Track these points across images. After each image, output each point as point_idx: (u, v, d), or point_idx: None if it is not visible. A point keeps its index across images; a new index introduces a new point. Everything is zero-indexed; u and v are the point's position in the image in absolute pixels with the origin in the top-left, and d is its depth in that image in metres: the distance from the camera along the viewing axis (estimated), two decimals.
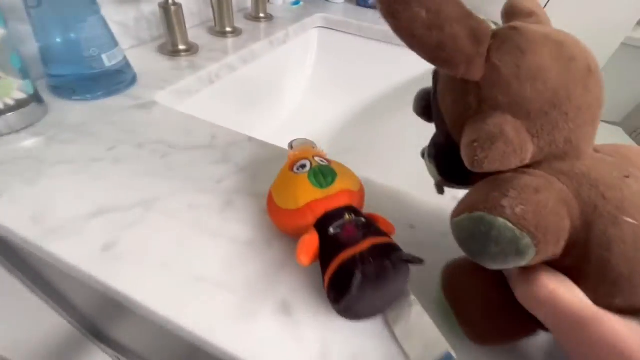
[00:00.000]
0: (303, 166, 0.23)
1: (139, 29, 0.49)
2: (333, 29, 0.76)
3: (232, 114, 0.56)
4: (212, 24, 0.59)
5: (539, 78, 0.15)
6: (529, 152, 0.16)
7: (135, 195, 0.26)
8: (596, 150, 0.18)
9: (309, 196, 0.21)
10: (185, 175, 0.28)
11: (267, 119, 0.68)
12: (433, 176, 0.23)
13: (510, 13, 0.21)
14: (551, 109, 0.15)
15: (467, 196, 0.17)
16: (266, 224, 0.25)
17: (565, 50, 0.16)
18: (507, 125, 0.15)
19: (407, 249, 0.19)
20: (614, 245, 0.14)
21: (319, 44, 0.78)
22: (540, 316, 0.16)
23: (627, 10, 0.70)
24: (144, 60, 0.46)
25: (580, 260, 0.15)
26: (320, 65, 0.79)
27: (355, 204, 0.22)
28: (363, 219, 0.20)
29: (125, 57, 0.39)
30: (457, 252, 0.17)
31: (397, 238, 0.21)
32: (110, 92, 0.37)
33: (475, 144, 0.15)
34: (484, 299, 0.19)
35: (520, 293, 0.16)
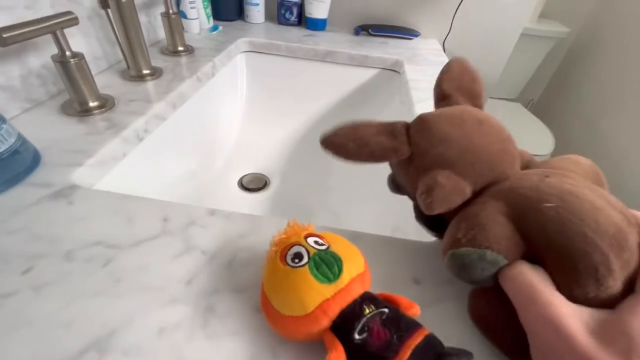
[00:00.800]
0: (299, 256, 0.19)
1: (30, 89, 0.39)
2: (260, 52, 0.73)
3: (171, 169, 0.49)
4: (125, 66, 0.51)
5: (446, 140, 0.21)
6: (466, 188, 0.21)
7: (80, 335, 0.20)
8: (539, 167, 0.23)
9: (318, 296, 0.18)
10: (142, 285, 0.22)
11: (209, 160, 0.61)
12: (429, 233, 0.27)
13: (437, 97, 0.28)
14: (464, 155, 0.21)
15: (444, 239, 0.22)
16: (263, 329, 0.21)
17: (455, 117, 0.22)
18: (438, 176, 0.21)
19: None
20: (546, 227, 0.18)
21: (248, 69, 0.74)
22: (508, 293, 0.19)
23: (523, 6, 0.81)
24: (45, 127, 0.37)
25: (535, 252, 0.18)
26: (253, 92, 0.75)
27: (367, 287, 0.20)
28: (386, 310, 0.18)
29: (20, 135, 0.30)
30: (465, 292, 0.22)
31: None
32: (5, 184, 0.29)
33: (423, 195, 0.21)
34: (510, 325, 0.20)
35: (499, 276, 0.19)
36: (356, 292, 0.18)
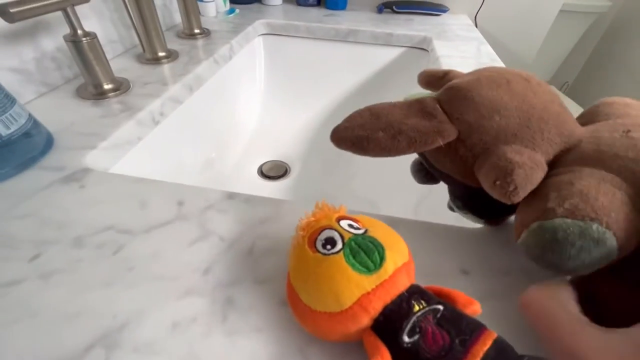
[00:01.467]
0: (331, 241, 0.16)
1: (44, 72, 0.38)
2: (278, 34, 0.69)
3: (188, 156, 0.47)
4: (140, 50, 0.49)
5: (499, 108, 0.17)
6: (542, 162, 0.17)
7: (87, 328, 0.17)
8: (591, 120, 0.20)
9: (356, 289, 0.15)
10: (155, 274, 0.20)
11: (228, 146, 0.59)
12: (477, 222, 0.23)
13: (429, 81, 0.25)
14: (527, 122, 0.17)
15: (517, 216, 0.17)
16: (290, 325, 0.18)
17: (497, 79, 0.18)
18: (508, 153, 0.16)
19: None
20: None
21: (266, 52, 0.71)
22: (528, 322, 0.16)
23: None
24: (59, 111, 0.35)
25: None
26: (272, 76, 0.72)
27: (413, 279, 0.16)
28: (440, 306, 0.14)
29: (30, 116, 0.29)
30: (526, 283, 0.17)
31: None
32: (17, 168, 0.27)
33: (498, 183, 0.16)
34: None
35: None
36: (402, 285, 0.15)
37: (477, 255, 0.22)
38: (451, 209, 0.25)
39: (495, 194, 0.17)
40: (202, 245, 0.22)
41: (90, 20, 0.43)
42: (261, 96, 0.71)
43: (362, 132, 0.18)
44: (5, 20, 0.28)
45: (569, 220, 0.14)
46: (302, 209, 0.25)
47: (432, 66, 0.57)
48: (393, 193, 0.50)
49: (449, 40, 0.62)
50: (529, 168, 0.16)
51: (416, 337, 0.14)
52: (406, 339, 0.14)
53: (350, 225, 0.17)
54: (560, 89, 1.64)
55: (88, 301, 0.19)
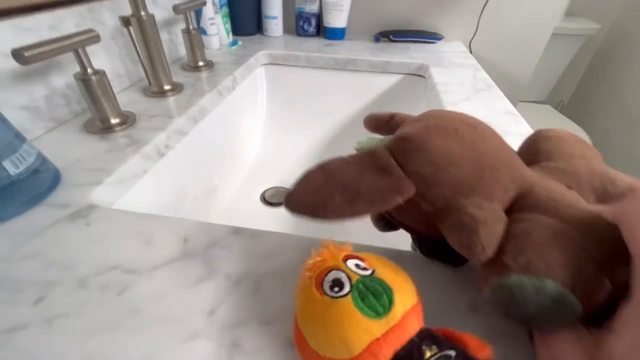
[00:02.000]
0: (338, 283, 0.16)
1: (54, 108, 0.39)
2: (279, 64, 0.72)
3: (192, 184, 0.47)
4: (146, 83, 0.50)
5: (452, 159, 0.17)
6: (501, 213, 0.17)
7: None
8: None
9: (366, 335, 0.14)
10: (160, 316, 0.20)
11: (231, 174, 0.60)
12: (446, 267, 0.23)
13: (376, 126, 0.25)
14: (480, 172, 0.17)
15: (479, 269, 0.17)
16: None
17: (446, 127, 0.18)
18: (470, 208, 0.16)
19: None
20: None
21: (268, 82, 0.73)
22: None
23: (554, 3, 0.76)
24: (67, 146, 0.36)
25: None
26: (273, 104, 0.74)
27: (422, 322, 0.16)
28: (452, 352, 0.14)
29: (39, 154, 0.29)
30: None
31: (459, 329, 0.16)
32: (24, 205, 0.27)
33: (465, 244, 0.16)
34: None
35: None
36: (412, 330, 0.15)
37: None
38: (414, 249, 0.24)
39: (467, 255, 0.17)
40: (208, 284, 0.22)
41: (99, 56, 0.45)
42: (263, 124, 0.73)
43: (317, 198, 0.17)
44: (20, 63, 0.30)
45: (524, 278, 0.14)
46: (307, 243, 0.25)
47: (429, 93, 0.59)
48: None
49: (445, 67, 0.64)
50: (492, 223, 0.16)
51: None
52: None
53: (357, 266, 0.17)
54: (556, 108, 1.67)
55: (93, 347, 0.18)
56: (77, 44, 0.34)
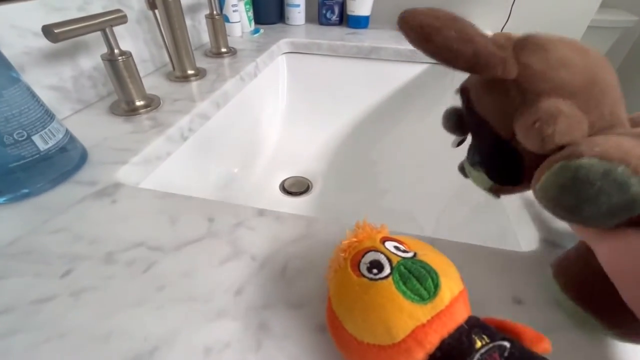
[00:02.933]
0: (377, 265, 0.15)
1: (81, 90, 0.39)
2: (301, 53, 0.70)
3: (212, 170, 0.47)
4: (170, 68, 0.50)
5: (569, 64, 0.16)
6: (586, 125, 0.16)
7: (118, 351, 0.17)
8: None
9: (410, 320, 0.13)
10: (186, 294, 0.19)
11: (250, 162, 0.60)
12: (483, 184, 0.22)
13: None
14: (589, 86, 0.16)
15: (540, 168, 0.16)
16: (330, 355, 0.17)
17: (578, 45, 0.17)
18: (561, 104, 0.16)
19: None
20: None
21: (289, 70, 0.72)
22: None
23: None
24: (93, 127, 0.36)
25: None
26: (294, 92, 0.73)
27: (470, 310, 0.15)
28: (506, 343, 0.13)
29: (67, 132, 0.29)
30: None
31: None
32: (52, 182, 0.27)
33: (538, 124, 0.16)
34: (609, 284, 0.16)
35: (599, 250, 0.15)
36: (460, 317, 0.14)
37: (531, 282, 0.20)
38: (461, 170, 0.24)
39: (530, 137, 0.16)
40: (233, 264, 0.21)
41: (125, 40, 0.45)
42: (283, 112, 0.72)
43: (436, 23, 0.16)
44: (50, 40, 0.30)
45: (594, 160, 0.13)
46: (334, 228, 0.24)
47: (456, 83, 0.56)
48: (424, 209, 0.49)
49: None
50: (575, 122, 0.15)
51: None
52: None
53: (397, 248, 0.16)
54: None
55: (118, 322, 0.18)
56: (105, 23, 0.34)
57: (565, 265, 0.20)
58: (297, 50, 0.70)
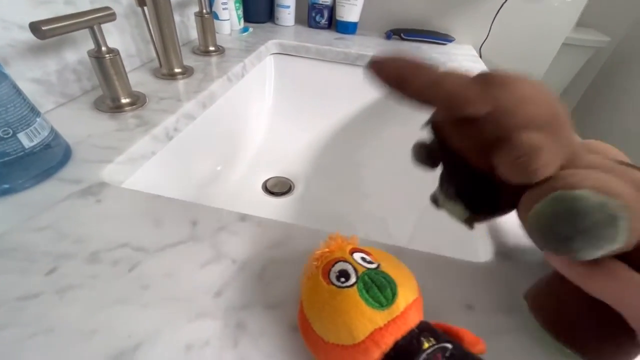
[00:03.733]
0: (345, 274, 0.17)
1: (65, 84, 0.39)
2: (289, 55, 0.71)
3: (198, 171, 0.48)
4: (157, 64, 0.50)
5: (535, 99, 0.18)
6: (559, 156, 0.17)
7: (103, 347, 0.18)
8: None
9: (369, 324, 0.15)
10: (169, 294, 0.21)
11: (234, 161, 0.60)
12: (459, 216, 0.23)
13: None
14: (554, 119, 0.17)
15: (527, 195, 0.18)
16: (301, 352, 0.18)
17: (534, 81, 0.18)
18: (539, 137, 0.17)
19: None
20: None
21: (277, 71, 0.73)
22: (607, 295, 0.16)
23: (566, 14, 0.76)
24: (76, 122, 0.36)
25: None
26: (280, 94, 0.74)
27: (422, 316, 0.17)
28: (449, 345, 0.15)
29: (52, 129, 0.30)
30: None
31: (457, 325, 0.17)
32: (35, 179, 0.28)
33: (523, 159, 0.16)
34: (583, 315, 0.18)
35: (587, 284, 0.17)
36: (412, 322, 0.16)
37: (482, 290, 0.23)
38: (434, 202, 0.24)
39: (514, 171, 0.17)
40: (214, 267, 0.23)
41: (112, 34, 0.45)
42: (269, 113, 0.73)
43: (405, 72, 0.17)
44: (37, 37, 0.30)
45: (590, 192, 0.14)
46: (312, 235, 0.26)
47: None
48: (398, 215, 0.51)
49: None
50: (554, 154, 0.16)
51: None
52: None
53: (363, 259, 0.18)
54: None
55: (103, 319, 0.19)
56: (93, 21, 0.34)
57: (540, 301, 0.21)
58: (285, 52, 0.71)
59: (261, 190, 0.61)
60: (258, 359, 0.18)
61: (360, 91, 0.71)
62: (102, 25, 0.36)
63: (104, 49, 0.36)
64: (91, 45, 0.37)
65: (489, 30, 0.78)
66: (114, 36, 0.45)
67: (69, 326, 0.19)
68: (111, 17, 0.36)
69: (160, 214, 0.26)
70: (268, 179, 0.64)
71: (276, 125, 0.72)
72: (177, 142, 0.41)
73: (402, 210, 0.52)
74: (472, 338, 0.16)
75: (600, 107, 1.57)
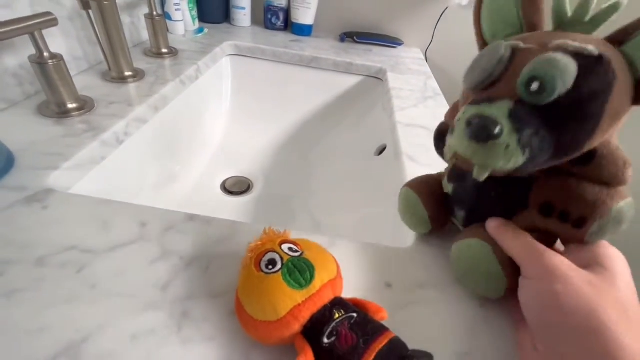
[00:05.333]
0: (272, 262, 0.20)
1: (5, 89, 0.38)
2: (245, 56, 0.73)
3: (152, 171, 0.49)
4: (106, 67, 0.50)
5: None
6: None
7: (52, 341, 0.19)
8: None
9: (290, 302, 0.18)
10: (117, 291, 0.23)
11: (192, 162, 0.61)
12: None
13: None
14: None
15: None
16: (237, 333, 0.21)
17: None
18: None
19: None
20: None
21: (233, 73, 0.74)
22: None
23: None
24: (20, 129, 0.36)
25: None
26: (238, 96, 0.75)
27: (338, 292, 0.20)
28: (355, 315, 0.19)
29: None
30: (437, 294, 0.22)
31: (375, 301, 0.21)
32: None
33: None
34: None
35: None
36: (327, 298, 0.19)
37: (400, 271, 0.27)
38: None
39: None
40: (162, 264, 0.25)
41: (55, 37, 0.44)
42: (227, 114, 0.74)
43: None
44: None
45: (631, 201, 0.19)
46: (257, 231, 0.28)
47: (385, 97, 0.64)
48: (342, 211, 0.55)
49: (402, 73, 0.69)
50: None
51: (333, 338, 0.17)
52: (326, 340, 0.17)
53: (290, 249, 0.21)
54: None
55: (51, 317, 0.21)
56: (34, 27, 0.34)
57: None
58: (241, 54, 0.72)
59: (220, 190, 0.62)
60: (200, 341, 0.21)
61: (315, 92, 0.74)
62: (45, 30, 0.36)
63: (46, 54, 0.36)
64: (32, 49, 0.36)
65: (432, 36, 0.84)
66: (58, 39, 0.44)
67: (17, 326, 0.20)
68: (52, 22, 0.36)
69: (108, 217, 0.28)
70: (227, 179, 0.65)
71: (234, 125, 0.74)
72: (130, 146, 0.42)
73: (346, 207, 0.55)
74: (376, 307, 0.20)
75: None
